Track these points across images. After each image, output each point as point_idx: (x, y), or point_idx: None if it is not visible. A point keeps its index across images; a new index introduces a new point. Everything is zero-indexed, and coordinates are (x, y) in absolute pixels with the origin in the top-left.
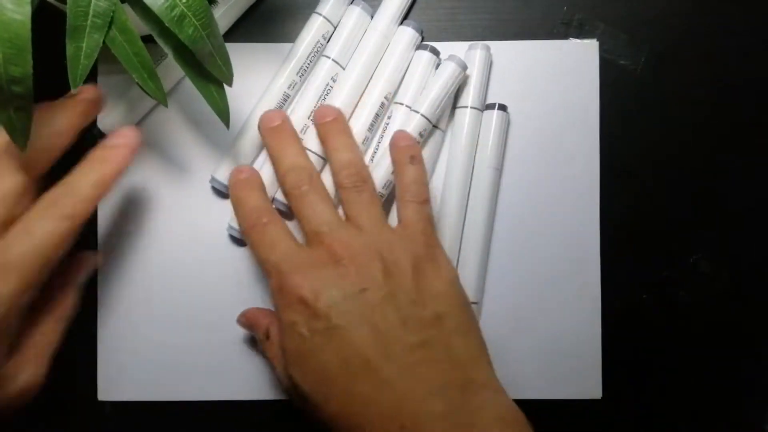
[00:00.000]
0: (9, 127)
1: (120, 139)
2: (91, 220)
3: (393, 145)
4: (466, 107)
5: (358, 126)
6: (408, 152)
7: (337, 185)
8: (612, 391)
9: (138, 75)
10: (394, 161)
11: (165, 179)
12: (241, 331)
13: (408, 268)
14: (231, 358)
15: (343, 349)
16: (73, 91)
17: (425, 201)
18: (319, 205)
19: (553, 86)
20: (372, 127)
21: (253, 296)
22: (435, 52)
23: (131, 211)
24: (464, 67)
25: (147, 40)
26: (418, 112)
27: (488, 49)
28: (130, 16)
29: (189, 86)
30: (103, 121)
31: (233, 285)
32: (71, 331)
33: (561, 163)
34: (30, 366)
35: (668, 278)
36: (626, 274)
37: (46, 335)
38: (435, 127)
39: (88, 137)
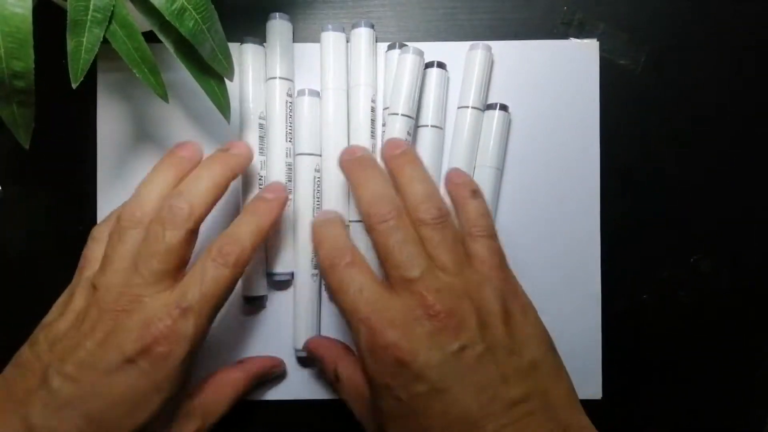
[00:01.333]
0: (11, 122)
1: (272, 193)
2: (91, 217)
3: (450, 182)
4: (467, 107)
5: (361, 138)
6: (468, 187)
7: (417, 221)
8: (612, 391)
9: (139, 70)
10: (454, 198)
11: None
12: (236, 333)
13: (499, 313)
14: (228, 359)
15: (446, 412)
16: (223, 146)
17: (494, 235)
18: (408, 246)
19: (553, 86)
20: (373, 135)
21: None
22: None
23: None
24: (420, 54)
25: (148, 38)
26: (397, 114)
27: (489, 49)
28: (130, 10)
29: (189, 81)
30: (103, 119)
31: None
32: None
33: (561, 162)
34: (195, 419)
35: (669, 278)
36: (627, 275)
37: (217, 401)
38: (435, 126)
39: (87, 139)
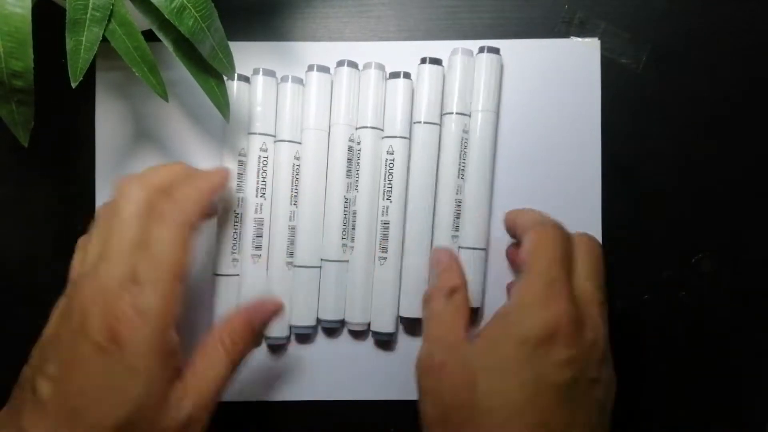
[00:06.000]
0: (11, 121)
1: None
2: (89, 216)
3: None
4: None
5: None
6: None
7: None
8: None
9: (138, 69)
10: None
11: None
12: None
13: None
14: None
15: None
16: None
17: None
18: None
19: (554, 85)
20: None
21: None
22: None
23: None
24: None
25: (148, 37)
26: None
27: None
28: (129, 9)
29: (189, 80)
30: (102, 118)
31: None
32: None
33: (562, 162)
34: (191, 396)
35: (670, 279)
36: (628, 275)
37: (214, 367)
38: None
39: (86, 139)
